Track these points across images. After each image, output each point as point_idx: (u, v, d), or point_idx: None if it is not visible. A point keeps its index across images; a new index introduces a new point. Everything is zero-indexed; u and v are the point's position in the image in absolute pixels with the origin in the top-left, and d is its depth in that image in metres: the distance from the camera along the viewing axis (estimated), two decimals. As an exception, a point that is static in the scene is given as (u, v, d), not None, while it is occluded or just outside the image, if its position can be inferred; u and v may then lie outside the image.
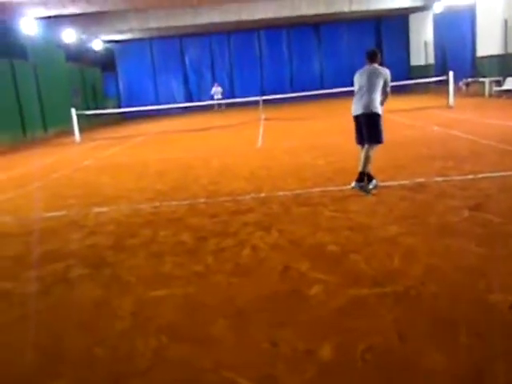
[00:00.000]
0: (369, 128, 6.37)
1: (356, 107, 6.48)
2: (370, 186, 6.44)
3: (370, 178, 6.51)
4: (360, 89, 6.47)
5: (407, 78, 25.42)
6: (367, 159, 6.42)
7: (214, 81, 30.85)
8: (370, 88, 6.36)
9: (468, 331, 2.95)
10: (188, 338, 3.21)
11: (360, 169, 6.41)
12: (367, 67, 6.52)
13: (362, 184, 6.41)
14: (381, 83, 6.38)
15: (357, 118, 6.50)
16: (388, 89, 6.50)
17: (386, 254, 4.26)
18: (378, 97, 6.39)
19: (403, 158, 8.62)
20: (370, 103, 6.34)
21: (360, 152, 6.58)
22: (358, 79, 6.54)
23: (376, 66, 6.49)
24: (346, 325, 3.17)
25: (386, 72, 6.47)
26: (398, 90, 24.01)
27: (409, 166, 7.81)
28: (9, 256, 5.19)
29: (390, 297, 3.46)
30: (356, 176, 6.45)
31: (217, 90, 28.44)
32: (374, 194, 6.31)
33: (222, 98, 27.05)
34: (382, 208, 5.68)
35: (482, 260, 3.97)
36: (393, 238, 4.66)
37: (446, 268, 3.87)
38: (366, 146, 6.42)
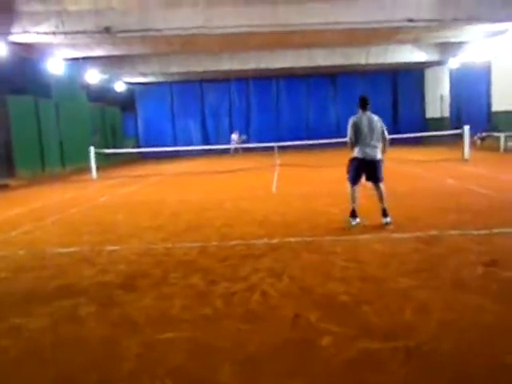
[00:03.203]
0: (376, 171, 7.31)
1: (363, 152, 7.26)
2: (353, 223, 7.34)
3: (354, 215, 7.39)
4: (365, 137, 7.21)
5: (422, 131, 25.62)
6: (383, 195, 7.31)
7: (231, 126, 31.42)
8: (373, 137, 7.23)
9: (482, 392, 2.87)
10: (195, 382, 3.17)
11: (383, 206, 7.32)
12: (363, 115, 7.32)
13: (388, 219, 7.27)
14: (380, 130, 7.28)
15: (362, 160, 7.29)
16: (386, 134, 7.36)
17: (398, 307, 4.20)
18: (380, 144, 7.30)
19: (417, 209, 8.59)
20: (377, 151, 7.27)
21: (352, 192, 7.43)
22: (359, 127, 7.24)
23: (370, 113, 7.33)
24: (357, 379, 3.10)
25: (380, 119, 7.37)
26: (413, 142, 24.27)
27: (422, 218, 7.77)
28: (21, 290, 5.21)
29: (402, 351, 3.39)
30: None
31: (236, 137, 28.59)
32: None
33: (240, 143, 27.22)
34: (394, 260, 5.63)
35: (499, 318, 3.89)
36: (405, 290, 4.60)
37: (461, 324, 3.80)
38: (377, 184, 7.34)
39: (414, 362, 3.26)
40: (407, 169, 15.46)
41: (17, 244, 7.45)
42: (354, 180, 7.41)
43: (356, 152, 7.31)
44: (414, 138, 22.09)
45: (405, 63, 26.57)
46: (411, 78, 31.64)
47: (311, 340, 3.66)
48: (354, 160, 7.39)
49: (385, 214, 7.30)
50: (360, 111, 7.35)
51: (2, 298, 5.04)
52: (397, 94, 32.09)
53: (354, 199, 7.41)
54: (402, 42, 22.59)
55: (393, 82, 32.10)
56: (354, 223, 7.36)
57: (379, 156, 7.29)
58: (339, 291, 4.64)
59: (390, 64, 26.70)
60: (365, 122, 7.23)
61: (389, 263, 5.51)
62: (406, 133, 21.81)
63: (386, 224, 7.22)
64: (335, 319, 4.00)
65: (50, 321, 4.30)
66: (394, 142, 22.96)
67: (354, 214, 7.40)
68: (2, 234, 8.14)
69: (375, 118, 7.31)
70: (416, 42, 23.00)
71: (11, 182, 16.69)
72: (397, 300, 4.37)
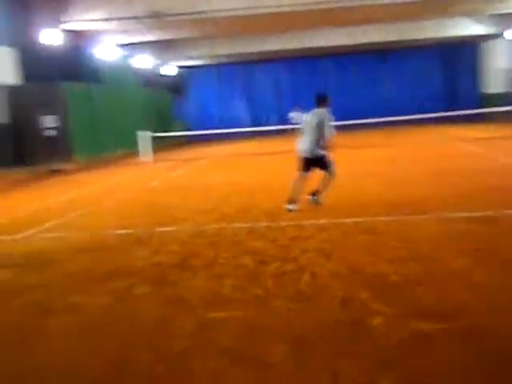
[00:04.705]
0: (318, 165, 7.56)
1: (301, 149, 7.58)
2: (290, 208, 7.48)
3: (315, 194, 7.76)
4: (302, 134, 7.54)
5: (478, 107, 24.62)
6: (326, 181, 7.60)
7: (279, 106, 31.23)
8: (309, 134, 7.43)
9: (540, 375, 2.79)
10: (246, 361, 3.23)
11: (319, 187, 7.69)
12: (311, 112, 7.54)
13: (316, 198, 7.75)
14: (317, 127, 7.33)
15: (303, 158, 7.57)
16: (326, 131, 7.34)
17: (452, 287, 4.11)
18: (317, 141, 7.39)
19: (472, 188, 8.32)
20: (311, 149, 7.45)
21: (298, 178, 7.63)
22: (304, 122, 7.58)
23: (319, 110, 7.44)
24: (408, 360, 3.08)
25: (323, 115, 7.36)
26: (468, 119, 23.36)
27: (478, 197, 7.52)
28: (80, 270, 5.45)
29: (455, 333, 3.33)
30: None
31: (295, 116, 27.94)
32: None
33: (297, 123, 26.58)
34: (447, 240, 5.49)
35: (558, 300, 3.74)
36: (459, 271, 4.49)
37: (517, 306, 3.68)
38: (325, 173, 7.59)
39: (468, 344, 3.19)
40: (463, 146, 14.94)
41: (74, 226, 7.77)
42: (301, 170, 7.69)
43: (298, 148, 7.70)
44: (470, 114, 21.27)
45: (459, 37, 25.46)
46: (466, 52, 30.34)
47: (362, 320, 3.65)
48: None
49: (291, 201, 7.53)
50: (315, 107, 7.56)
51: (62, 277, 5.28)
52: (451, 69, 30.87)
53: (294, 187, 7.61)
54: (457, 14, 21.61)
55: (447, 57, 30.88)
56: (290, 208, 7.52)
57: (314, 153, 7.45)
58: (390, 271, 4.59)
59: (444, 38, 25.67)
60: (306, 119, 7.54)
61: (442, 243, 5.38)
62: (461, 109, 21.05)
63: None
64: (386, 299, 3.96)
65: (107, 299, 4.49)
66: (448, 119, 22.44)
67: (291, 201, 7.53)
68: (61, 217, 8.50)
69: (320, 114, 7.39)
70: (472, 14, 21.95)
71: (68, 166, 17.34)
72: (450, 281, 4.28)
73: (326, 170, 7.59)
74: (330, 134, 7.43)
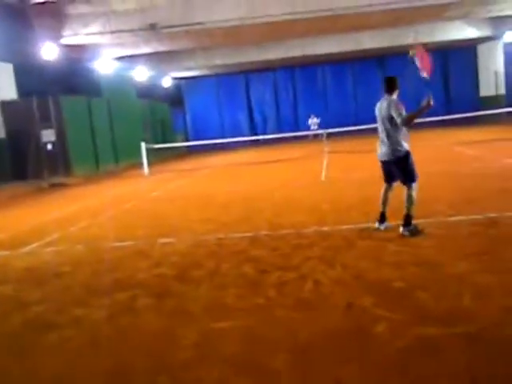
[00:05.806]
0: (399, 171, 6.01)
1: (379, 152, 6.19)
2: (380, 227, 6.27)
3: (382, 219, 6.27)
4: (379, 131, 6.16)
5: (476, 110, 24.62)
6: (409, 199, 5.89)
7: (278, 115, 31.47)
8: (381, 130, 6.08)
9: (549, 379, 2.74)
10: (250, 370, 3.19)
11: (405, 211, 5.90)
12: (382, 101, 6.14)
13: (410, 228, 5.90)
14: (389, 119, 5.90)
15: (382, 162, 6.24)
16: (398, 120, 5.80)
17: (456, 292, 4.07)
18: (396, 137, 5.91)
19: (474, 191, 8.29)
20: (390, 148, 5.97)
21: (384, 189, 6.33)
22: (377, 117, 6.17)
23: (390, 98, 6.03)
24: (414, 366, 3.03)
25: (391, 103, 5.92)
26: (466, 122, 23.36)
27: (480, 200, 7.49)
28: (80, 283, 5.41)
29: (461, 338, 3.29)
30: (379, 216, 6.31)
31: (313, 122, 28.48)
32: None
33: (318, 129, 26.18)
34: (451, 244, 5.46)
35: None
36: (463, 275, 4.45)
37: (523, 309, 3.64)
38: (406, 187, 5.97)
39: (475, 348, 3.15)
40: (461, 149, 14.93)
41: (75, 239, 7.73)
42: (385, 179, 6.35)
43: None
44: (468, 117, 21.26)
45: (455, 41, 25.57)
46: (462, 55, 30.52)
47: (365, 327, 3.61)
48: None
49: (380, 219, 6.27)
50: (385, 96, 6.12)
51: (63, 290, 5.24)
52: (448, 73, 31.00)
53: (381, 200, 6.32)
54: (451, 18, 21.70)
55: (443, 60, 31.02)
56: (380, 227, 6.29)
57: (392, 154, 5.97)
58: (393, 277, 4.55)
59: (440, 42, 25.77)
60: (378, 112, 6.13)
61: (445, 247, 5.35)
62: (458, 113, 21.06)
63: (403, 235, 5.91)
64: (390, 305, 3.92)
65: (108, 312, 4.45)
66: (446, 123, 22.42)
67: (381, 218, 6.28)
68: (62, 230, 8.47)
69: (389, 103, 5.96)
70: (466, 17, 22.05)
71: (68, 180, 17.33)
72: (454, 285, 4.23)
73: (406, 178, 5.95)
74: (400, 122, 5.82)
